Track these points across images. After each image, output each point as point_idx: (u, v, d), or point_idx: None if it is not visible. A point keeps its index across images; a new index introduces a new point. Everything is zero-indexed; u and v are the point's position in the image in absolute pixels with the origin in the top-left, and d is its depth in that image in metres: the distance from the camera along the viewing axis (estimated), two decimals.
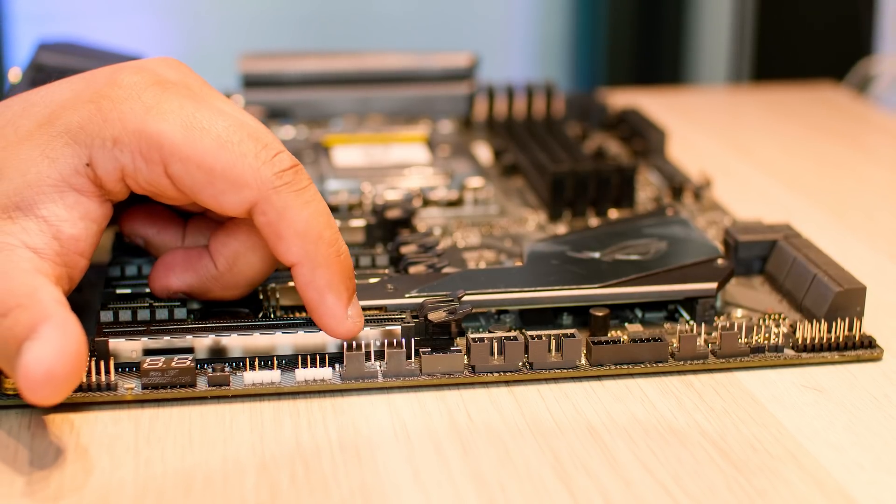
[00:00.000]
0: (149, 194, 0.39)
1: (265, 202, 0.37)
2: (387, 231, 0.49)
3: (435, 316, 0.40)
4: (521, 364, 0.40)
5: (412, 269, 0.44)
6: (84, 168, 0.37)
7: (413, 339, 0.39)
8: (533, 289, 0.42)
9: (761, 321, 0.42)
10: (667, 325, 0.43)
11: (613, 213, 0.53)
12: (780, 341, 0.41)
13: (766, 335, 0.41)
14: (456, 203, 0.54)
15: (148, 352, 0.39)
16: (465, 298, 0.41)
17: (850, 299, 0.42)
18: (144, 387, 0.38)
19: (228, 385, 0.38)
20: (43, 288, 0.35)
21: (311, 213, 0.38)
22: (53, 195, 0.37)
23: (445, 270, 0.44)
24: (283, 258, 0.38)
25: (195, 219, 0.42)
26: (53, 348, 0.34)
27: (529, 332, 0.40)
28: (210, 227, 0.41)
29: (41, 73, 0.50)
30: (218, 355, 0.39)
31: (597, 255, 0.45)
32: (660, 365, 0.40)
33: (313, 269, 0.38)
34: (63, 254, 0.37)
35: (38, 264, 0.36)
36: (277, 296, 0.43)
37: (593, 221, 0.53)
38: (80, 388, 0.38)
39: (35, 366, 0.33)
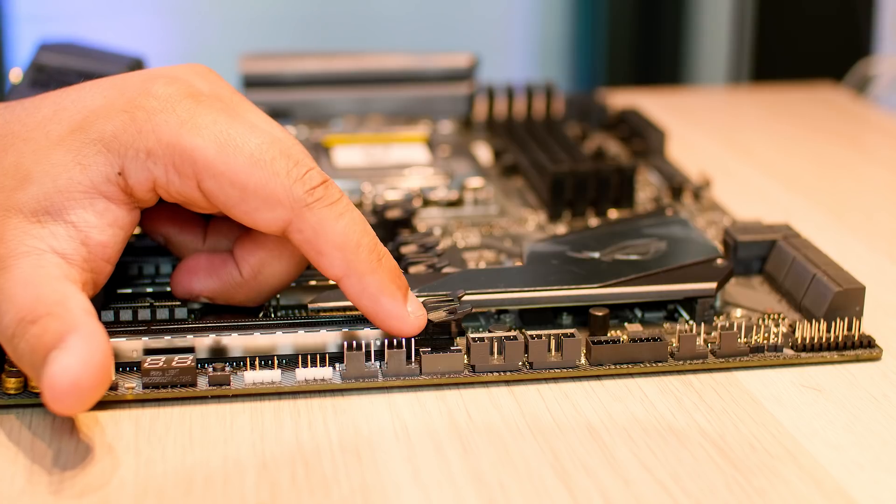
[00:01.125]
0: (179, 203, 0.39)
1: (299, 220, 0.38)
2: (387, 231, 0.49)
3: (435, 316, 0.40)
4: (520, 364, 0.40)
5: (412, 269, 0.44)
6: (115, 177, 0.38)
7: (413, 339, 0.39)
8: (533, 289, 0.42)
9: (760, 321, 0.43)
10: (666, 325, 0.43)
11: (613, 214, 0.53)
12: (779, 341, 0.41)
13: (766, 335, 0.41)
14: (456, 203, 0.54)
15: (149, 351, 0.39)
16: (465, 298, 0.41)
17: (849, 299, 0.42)
18: (145, 386, 0.38)
19: (229, 385, 0.38)
20: (72, 296, 0.36)
21: (347, 224, 0.38)
22: (84, 201, 0.37)
23: (445, 270, 0.44)
24: (327, 273, 0.38)
25: (217, 220, 0.42)
26: (80, 359, 0.34)
27: (529, 332, 0.40)
28: (231, 229, 0.41)
29: (42, 74, 0.50)
30: (218, 355, 0.39)
31: (596, 255, 0.45)
32: (659, 365, 0.40)
33: (361, 279, 0.38)
34: (90, 260, 0.37)
35: (66, 270, 0.36)
36: (278, 295, 0.43)
37: (593, 221, 0.53)
38: None
39: (61, 377, 0.33)
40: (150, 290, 0.43)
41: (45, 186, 0.37)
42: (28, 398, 0.38)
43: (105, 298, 0.42)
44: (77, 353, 0.34)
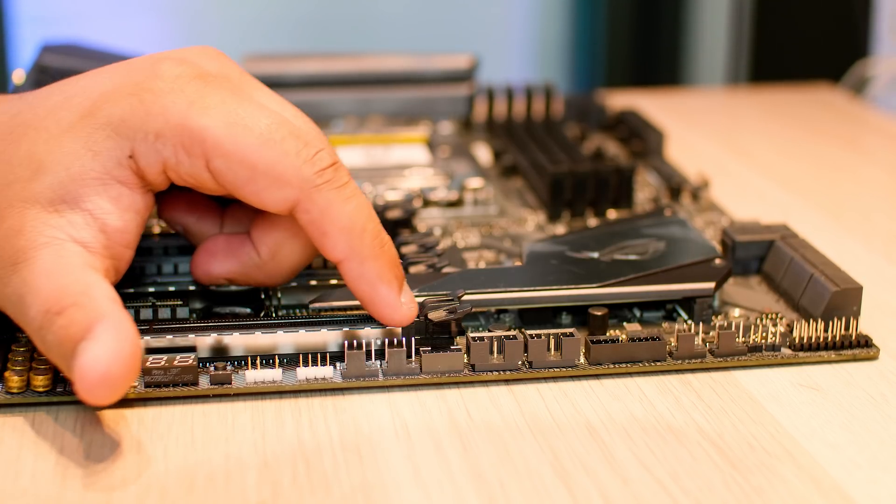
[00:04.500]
0: (190, 186, 0.39)
1: (307, 200, 0.38)
2: (387, 231, 0.49)
3: (435, 315, 0.40)
4: (520, 363, 0.40)
5: (412, 269, 0.45)
6: (127, 160, 0.38)
7: (413, 338, 0.40)
8: (532, 288, 0.43)
9: (758, 320, 0.43)
10: (665, 325, 0.43)
11: (612, 214, 0.54)
12: (777, 340, 0.42)
13: (764, 334, 0.42)
14: (456, 203, 0.54)
15: (150, 350, 0.39)
16: (465, 298, 0.42)
17: (846, 299, 0.42)
18: (147, 385, 0.38)
19: (230, 384, 0.39)
20: (96, 285, 0.36)
21: (354, 208, 0.38)
22: (98, 188, 0.37)
23: (445, 270, 0.44)
24: (329, 254, 0.38)
25: (233, 207, 0.42)
26: (109, 349, 0.34)
27: (529, 332, 0.40)
28: (248, 215, 0.41)
29: (45, 75, 0.50)
30: (220, 354, 0.40)
31: (595, 255, 0.45)
32: (658, 364, 0.41)
33: (362, 263, 0.38)
34: (110, 246, 0.37)
35: (87, 259, 0.36)
36: (279, 295, 0.43)
37: (592, 222, 0.53)
38: None
39: (92, 368, 0.34)
40: (151, 289, 0.43)
41: (59, 175, 0.37)
42: (31, 397, 0.38)
43: None
44: (106, 342, 0.34)
